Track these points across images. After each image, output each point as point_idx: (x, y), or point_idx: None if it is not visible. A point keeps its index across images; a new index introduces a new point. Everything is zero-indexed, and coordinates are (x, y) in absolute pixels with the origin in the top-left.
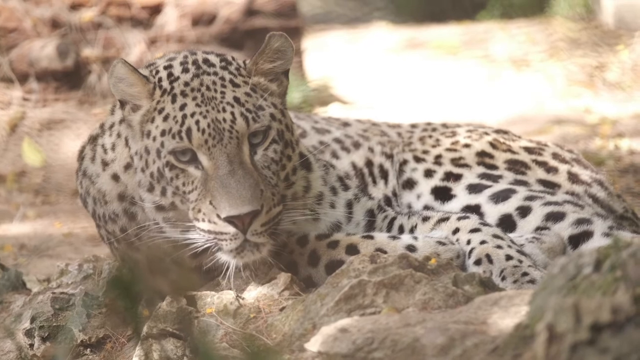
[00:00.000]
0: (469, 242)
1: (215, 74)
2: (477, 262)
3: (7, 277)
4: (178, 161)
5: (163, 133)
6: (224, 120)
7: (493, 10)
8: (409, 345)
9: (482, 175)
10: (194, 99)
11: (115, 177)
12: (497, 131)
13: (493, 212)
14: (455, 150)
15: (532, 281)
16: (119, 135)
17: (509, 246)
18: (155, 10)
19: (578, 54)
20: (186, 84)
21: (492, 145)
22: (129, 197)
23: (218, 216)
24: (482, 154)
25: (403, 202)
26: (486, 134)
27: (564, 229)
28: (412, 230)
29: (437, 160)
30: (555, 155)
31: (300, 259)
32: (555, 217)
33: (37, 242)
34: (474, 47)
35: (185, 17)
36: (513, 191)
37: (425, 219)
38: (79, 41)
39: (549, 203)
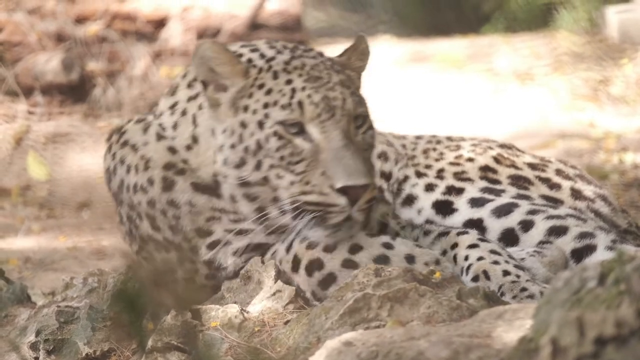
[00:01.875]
0: (466, 258)
1: (315, 57)
2: (475, 279)
3: (12, 290)
4: (286, 132)
5: (266, 105)
6: (335, 98)
7: (497, 23)
8: (413, 359)
9: (485, 190)
10: (300, 75)
11: (172, 150)
12: (502, 146)
13: (495, 226)
14: (458, 164)
15: (531, 296)
16: (183, 114)
17: (507, 262)
18: (160, 24)
19: (582, 68)
20: (286, 62)
21: (496, 160)
22: (178, 169)
23: (331, 187)
24: (485, 169)
25: (403, 219)
26: (490, 148)
27: (567, 243)
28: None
29: (439, 174)
30: (558, 172)
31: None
32: (558, 230)
33: (41, 256)
34: (478, 61)
35: (189, 31)
36: (515, 205)
37: (427, 233)
38: (84, 55)
39: (551, 217)
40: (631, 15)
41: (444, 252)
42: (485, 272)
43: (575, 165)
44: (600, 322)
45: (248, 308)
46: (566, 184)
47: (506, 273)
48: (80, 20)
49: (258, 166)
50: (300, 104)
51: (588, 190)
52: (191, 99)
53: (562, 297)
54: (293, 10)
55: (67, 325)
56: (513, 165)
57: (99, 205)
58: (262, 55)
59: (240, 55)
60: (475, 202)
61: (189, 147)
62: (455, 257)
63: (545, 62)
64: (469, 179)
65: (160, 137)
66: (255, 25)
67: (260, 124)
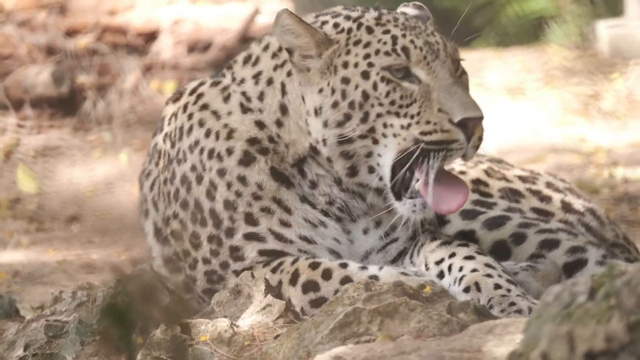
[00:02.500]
0: (461, 269)
1: (402, 14)
2: (466, 290)
3: (0, 304)
4: (393, 76)
5: (367, 56)
6: (437, 42)
7: (488, 38)
8: None
9: (477, 202)
10: (396, 26)
11: (260, 125)
12: (491, 160)
13: (487, 238)
14: None
15: (519, 311)
16: (269, 82)
17: (499, 276)
18: (151, 37)
19: (573, 83)
20: (377, 18)
21: (487, 173)
22: (263, 147)
23: (450, 122)
24: (477, 182)
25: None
26: (481, 162)
27: (559, 257)
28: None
29: None
30: (548, 184)
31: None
32: (550, 244)
33: (30, 270)
34: (469, 75)
35: (180, 44)
36: (507, 218)
37: (434, 239)
38: (74, 68)
39: (543, 230)
40: (622, 30)
41: (441, 260)
42: (477, 284)
43: (564, 179)
44: (591, 336)
45: (238, 322)
46: (557, 197)
47: (497, 286)
48: (71, 33)
49: (365, 118)
50: (404, 49)
51: (578, 203)
52: (278, 67)
53: (552, 312)
54: None
55: (55, 339)
56: (504, 178)
57: (88, 218)
58: (348, 17)
59: (325, 23)
60: (467, 215)
61: (279, 123)
62: (450, 267)
63: (536, 77)
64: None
65: (245, 108)
66: (246, 39)
67: (365, 74)
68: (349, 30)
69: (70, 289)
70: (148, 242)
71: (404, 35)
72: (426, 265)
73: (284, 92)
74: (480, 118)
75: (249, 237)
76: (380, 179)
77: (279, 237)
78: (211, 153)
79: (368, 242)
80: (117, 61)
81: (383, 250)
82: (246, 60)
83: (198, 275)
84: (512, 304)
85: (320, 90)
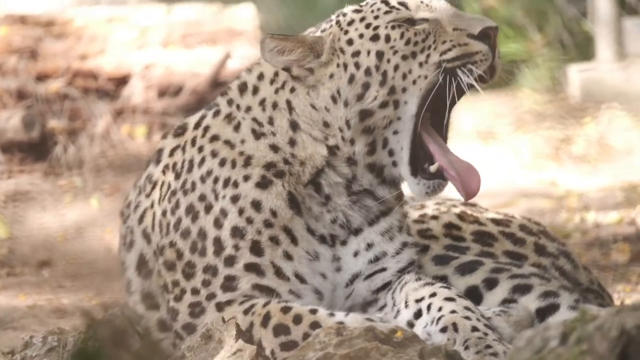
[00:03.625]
0: (440, 309)
1: None
2: (443, 330)
3: None
4: (400, 25)
5: (369, 25)
6: None
7: None
8: None
9: (449, 247)
10: None
11: (275, 148)
12: (465, 204)
13: (459, 283)
14: (422, 222)
15: (494, 354)
16: (275, 106)
17: (478, 319)
18: (122, 81)
19: (544, 127)
20: (359, 5)
21: (460, 217)
22: (279, 170)
23: (469, 35)
24: (449, 226)
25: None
26: (454, 206)
27: (531, 302)
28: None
29: None
30: (522, 227)
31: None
32: (522, 289)
33: (1, 314)
34: None
35: (151, 89)
36: (480, 263)
37: (418, 279)
38: (45, 112)
39: (515, 276)
40: (593, 74)
41: (422, 299)
42: (454, 325)
43: (539, 222)
44: None
45: None
46: (530, 239)
47: (475, 329)
48: (42, 77)
49: (383, 80)
50: (400, 3)
51: (552, 246)
52: (279, 89)
53: (524, 356)
54: None
55: None
56: (477, 221)
57: (59, 263)
58: (329, 18)
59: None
60: (440, 260)
61: (292, 141)
62: (429, 306)
63: (508, 121)
64: (433, 237)
65: (258, 134)
66: (217, 83)
67: (374, 37)
68: (337, 21)
69: (40, 334)
70: (127, 276)
71: None
72: (406, 302)
73: (290, 109)
74: (497, 28)
75: (250, 267)
76: (391, 154)
77: (278, 272)
78: (227, 181)
79: (357, 265)
80: (88, 106)
81: (369, 279)
82: (242, 89)
83: (181, 308)
84: (488, 346)
85: (332, 76)
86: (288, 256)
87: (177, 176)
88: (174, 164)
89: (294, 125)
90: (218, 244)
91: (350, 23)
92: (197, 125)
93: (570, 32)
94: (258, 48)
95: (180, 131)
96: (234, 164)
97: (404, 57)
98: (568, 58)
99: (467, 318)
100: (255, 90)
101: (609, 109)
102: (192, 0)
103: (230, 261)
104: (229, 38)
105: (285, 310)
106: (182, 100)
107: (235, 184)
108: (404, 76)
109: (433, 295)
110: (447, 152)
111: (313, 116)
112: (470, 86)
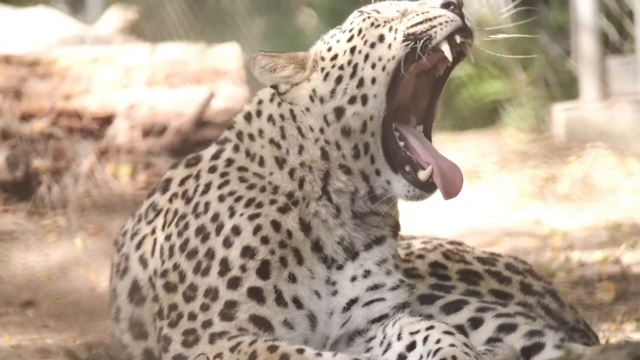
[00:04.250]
0: (438, 341)
1: None
2: None
3: None
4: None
5: (345, 31)
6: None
7: (444, 122)
8: None
9: (435, 286)
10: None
11: (292, 173)
12: (452, 242)
13: (445, 322)
14: (408, 261)
15: None
16: (282, 118)
17: (476, 357)
18: (106, 121)
19: (529, 166)
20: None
21: (445, 256)
22: (295, 199)
23: (432, 7)
24: (435, 265)
25: None
26: (440, 245)
27: (516, 341)
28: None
29: None
30: (508, 266)
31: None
32: (507, 328)
33: None
34: None
35: (135, 128)
36: (465, 302)
37: (413, 316)
38: (29, 152)
39: (500, 315)
40: (578, 113)
41: (417, 331)
42: (454, 357)
43: (524, 261)
44: None
45: None
46: (516, 278)
47: None
48: (26, 117)
49: (354, 71)
50: (373, 9)
51: (537, 285)
52: (280, 104)
53: None
54: (239, 107)
55: None
56: (462, 260)
57: (43, 303)
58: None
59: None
60: (425, 299)
61: (301, 149)
62: (426, 338)
63: (492, 160)
64: (419, 276)
65: (280, 161)
66: (201, 123)
67: (350, 38)
68: (322, 38)
69: None
70: (117, 303)
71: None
72: (399, 335)
73: (294, 116)
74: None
75: (252, 293)
76: (372, 161)
77: (278, 298)
78: (250, 201)
79: (354, 290)
80: (72, 145)
81: (368, 306)
82: (248, 118)
83: (175, 336)
84: None
85: (309, 80)
86: (292, 278)
87: (188, 201)
88: (185, 191)
89: (300, 132)
90: (224, 265)
91: (332, 36)
92: (215, 157)
93: (554, 71)
94: (243, 87)
95: (194, 162)
96: (263, 189)
97: (373, 45)
98: (552, 97)
99: (467, 354)
100: (259, 113)
101: (594, 148)
102: (176, 40)
103: (234, 284)
104: (213, 77)
105: (272, 349)
106: (166, 139)
107: (260, 205)
108: (374, 65)
109: (430, 328)
110: (431, 150)
111: (305, 121)
112: (435, 50)
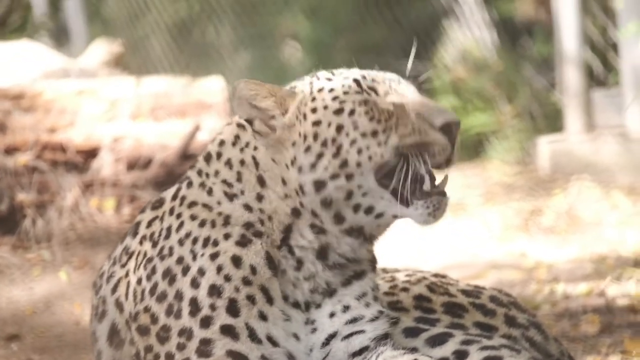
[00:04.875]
0: None
1: None
2: None
3: None
4: (368, 103)
5: (336, 98)
6: (394, 76)
7: None
8: None
9: (419, 319)
10: (349, 72)
11: (248, 208)
12: (436, 275)
13: (430, 355)
14: (393, 294)
15: None
16: (242, 163)
17: None
18: (91, 154)
19: (514, 199)
20: (329, 72)
21: (430, 288)
22: (256, 230)
23: (430, 126)
24: (419, 298)
25: None
26: (425, 278)
27: None
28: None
29: None
30: (492, 299)
31: None
32: None
33: None
34: None
35: (120, 161)
36: (450, 335)
37: (396, 349)
38: (14, 185)
39: (485, 347)
40: (562, 146)
41: None
42: None
43: (509, 293)
44: None
45: None
46: (500, 311)
47: None
48: (10, 150)
49: (337, 152)
50: (370, 87)
51: (522, 317)
52: (244, 148)
53: None
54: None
55: None
56: (447, 293)
57: (28, 337)
58: (308, 82)
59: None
60: (410, 332)
61: (259, 197)
62: None
63: (478, 193)
64: (403, 309)
65: (230, 195)
66: (186, 156)
67: (338, 111)
68: (310, 83)
69: None
70: (98, 347)
71: (363, 77)
72: None
73: (256, 164)
74: (459, 123)
75: (225, 330)
76: (367, 212)
77: (251, 335)
78: (206, 241)
79: (333, 326)
80: (56, 179)
81: (347, 340)
82: (208, 159)
83: None
84: None
85: (294, 144)
86: (263, 316)
87: (154, 244)
88: (152, 234)
89: (261, 181)
90: (194, 305)
91: (320, 90)
92: (174, 197)
93: (539, 103)
94: (227, 120)
95: (158, 204)
96: (213, 224)
97: (364, 135)
98: (537, 129)
99: None
100: (219, 155)
101: (579, 181)
102: (162, 73)
103: (206, 322)
104: (198, 110)
105: None
106: (151, 172)
107: (215, 243)
108: (360, 151)
109: None
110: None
111: (274, 170)
112: (421, 177)
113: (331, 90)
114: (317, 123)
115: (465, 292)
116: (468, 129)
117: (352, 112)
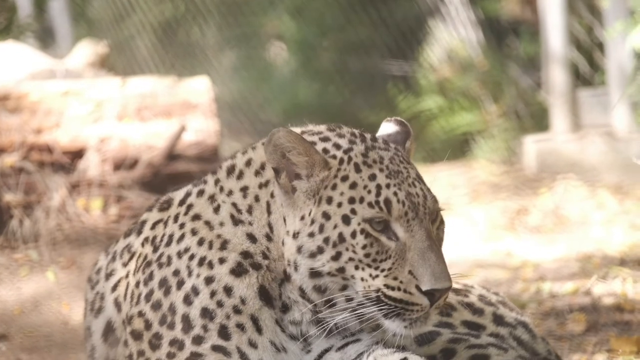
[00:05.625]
0: None
1: (387, 149)
2: None
3: None
4: (373, 230)
5: (352, 201)
6: (417, 194)
7: (415, 154)
8: None
9: None
10: (381, 170)
11: (252, 238)
12: None
13: (417, 354)
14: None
15: None
16: (257, 200)
17: None
18: (77, 155)
19: (500, 198)
20: (364, 155)
21: None
22: (255, 262)
23: (417, 287)
24: None
25: None
26: None
27: None
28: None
29: None
30: (481, 297)
31: None
32: (480, 359)
33: None
34: None
35: (107, 162)
36: (438, 333)
37: (388, 348)
38: (0, 186)
39: (473, 346)
40: (548, 145)
41: None
42: None
43: (497, 292)
44: None
45: None
46: (488, 310)
47: None
48: None
49: (336, 257)
50: (387, 202)
51: (510, 316)
52: (262, 185)
53: None
54: (210, 140)
55: None
56: None
57: (16, 336)
58: (337, 146)
59: (313, 144)
60: None
61: (268, 237)
62: None
63: (464, 192)
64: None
65: (236, 220)
66: (172, 156)
67: (346, 219)
68: (340, 161)
69: None
70: (92, 342)
71: (387, 186)
72: None
73: (269, 211)
74: (449, 288)
75: (217, 349)
76: (360, 305)
77: (243, 357)
78: (202, 260)
79: (329, 341)
80: (43, 179)
81: (342, 350)
82: (230, 172)
83: None
84: None
85: (302, 218)
86: (253, 344)
87: (155, 249)
88: (154, 237)
89: (270, 227)
90: (187, 322)
91: (344, 179)
92: (181, 202)
93: (525, 103)
94: (213, 120)
95: (166, 206)
96: (210, 245)
97: (360, 261)
98: (523, 129)
99: None
100: (240, 176)
101: (565, 180)
102: (147, 74)
103: (197, 340)
104: (183, 111)
105: None
106: (137, 173)
107: (210, 265)
108: (357, 268)
109: (404, 359)
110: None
111: (280, 229)
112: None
113: (352, 185)
114: (326, 215)
115: (453, 291)
116: (454, 129)
117: (353, 234)
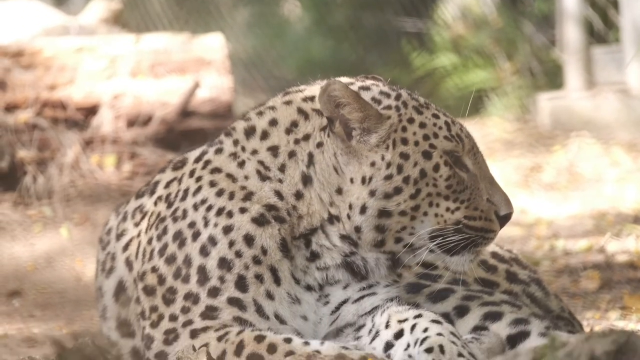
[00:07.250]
0: (425, 330)
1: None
2: (429, 350)
3: None
4: (451, 161)
5: (427, 137)
6: (470, 133)
7: None
8: None
9: (421, 275)
10: (437, 110)
11: (279, 195)
12: None
13: (431, 311)
14: None
15: None
16: (291, 156)
17: (463, 346)
18: (91, 111)
19: (514, 155)
20: (414, 98)
21: None
22: (280, 216)
23: (496, 213)
24: None
25: None
26: None
27: (502, 329)
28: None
29: None
30: (494, 255)
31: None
32: (493, 316)
33: None
34: None
35: (120, 119)
36: (451, 290)
37: (402, 304)
38: (14, 143)
39: (486, 303)
40: (562, 102)
41: (405, 320)
42: (441, 347)
43: (510, 250)
44: None
45: None
46: (502, 267)
47: (460, 354)
48: (10, 108)
49: (415, 195)
50: (458, 136)
51: (523, 274)
52: (300, 140)
53: None
54: (224, 97)
55: None
56: None
57: (30, 293)
58: (385, 94)
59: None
60: (412, 288)
61: (298, 194)
62: (414, 326)
63: None
64: (405, 265)
65: (264, 176)
66: (186, 113)
67: (427, 154)
68: (397, 108)
69: None
70: (104, 302)
71: (453, 122)
72: (387, 323)
73: (310, 162)
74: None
75: (232, 301)
76: (406, 246)
77: (259, 310)
78: (220, 211)
79: (347, 294)
80: (57, 136)
81: (358, 302)
82: (249, 133)
83: (156, 335)
84: None
85: (373, 164)
86: (270, 295)
87: (169, 205)
88: (168, 195)
89: (306, 180)
90: (203, 273)
91: (411, 121)
92: (197, 160)
93: (539, 60)
94: (227, 77)
95: (180, 165)
96: (231, 196)
97: (438, 194)
98: (537, 86)
99: (454, 343)
100: (265, 135)
101: (578, 137)
102: (161, 30)
103: (214, 292)
104: (197, 67)
105: (259, 339)
106: (151, 129)
107: (230, 214)
108: (431, 204)
109: (418, 316)
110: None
111: (331, 178)
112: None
113: (423, 125)
114: (404, 156)
115: None
116: (468, 86)
117: (436, 168)
